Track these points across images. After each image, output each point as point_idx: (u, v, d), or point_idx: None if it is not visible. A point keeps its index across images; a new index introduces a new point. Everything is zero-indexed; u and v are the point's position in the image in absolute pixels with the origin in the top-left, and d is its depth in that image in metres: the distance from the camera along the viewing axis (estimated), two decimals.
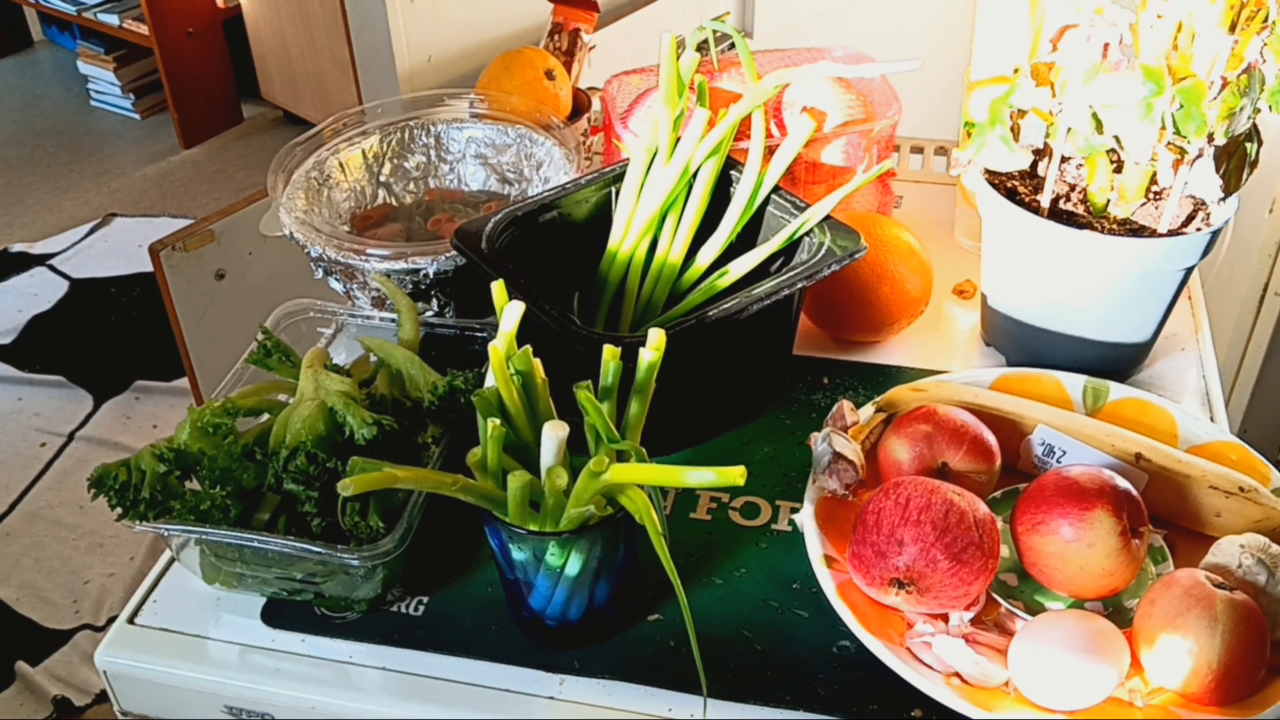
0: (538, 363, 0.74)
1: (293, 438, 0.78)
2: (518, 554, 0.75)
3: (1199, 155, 0.84)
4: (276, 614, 0.81)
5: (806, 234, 0.90)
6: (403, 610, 0.81)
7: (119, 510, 0.77)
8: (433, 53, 1.46)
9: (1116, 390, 0.91)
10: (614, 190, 0.98)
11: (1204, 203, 0.91)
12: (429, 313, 0.99)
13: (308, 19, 3.03)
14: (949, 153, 1.24)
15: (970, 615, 0.76)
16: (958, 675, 0.73)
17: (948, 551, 0.73)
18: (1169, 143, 0.83)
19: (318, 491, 0.77)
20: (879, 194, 1.09)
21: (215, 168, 3.21)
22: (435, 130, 1.13)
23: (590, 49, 1.26)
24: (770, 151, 0.94)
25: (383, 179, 1.12)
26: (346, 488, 0.66)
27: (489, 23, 1.50)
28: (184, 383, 2.57)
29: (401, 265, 0.94)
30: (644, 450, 0.68)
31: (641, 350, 0.73)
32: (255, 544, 0.75)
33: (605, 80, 1.11)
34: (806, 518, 0.81)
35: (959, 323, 1.05)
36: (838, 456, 0.81)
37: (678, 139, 0.94)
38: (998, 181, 0.94)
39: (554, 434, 0.69)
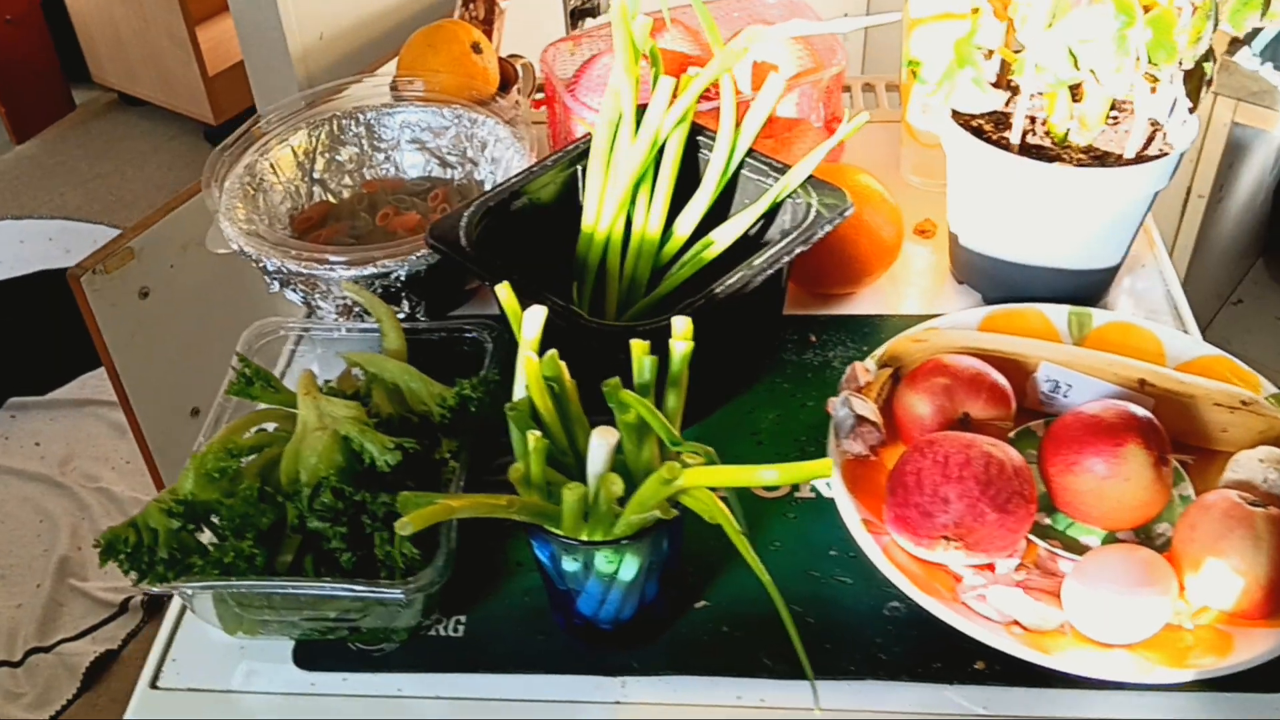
0: (563, 365, 0.72)
1: (311, 474, 0.74)
2: (569, 565, 0.73)
3: (1169, 81, 0.86)
4: (310, 656, 0.78)
5: (789, 195, 0.89)
6: (442, 633, 0.78)
7: (134, 575, 0.72)
8: (324, 29, 1.39)
9: (1099, 316, 0.93)
10: (579, 169, 0.94)
11: (1158, 124, 0.93)
12: (400, 315, 0.95)
13: None
14: (899, 90, 1.24)
15: (1016, 561, 0.77)
16: (1017, 623, 0.74)
17: (994, 504, 0.74)
18: (1145, 72, 0.84)
19: (346, 526, 0.73)
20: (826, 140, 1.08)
21: (54, 160, 3.02)
22: (365, 118, 1.07)
23: (580, 16, 1.21)
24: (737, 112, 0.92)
25: (317, 176, 1.06)
26: (405, 527, 0.63)
27: None
28: (62, 394, 2.44)
29: (370, 270, 0.90)
30: (712, 450, 0.66)
31: (673, 343, 0.71)
32: (290, 590, 0.72)
33: (541, 50, 1.07)
34: (836, 483, 0.81)
35: (924, 263, 1.06)
36: (861, 419, 0.81)
37: (640, 109, 0.91)
38: (963, 121, 0.94)
39: (604, 441, 0.67)
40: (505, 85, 1.16)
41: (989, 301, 0.99)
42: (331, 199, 1.06)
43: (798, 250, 0.84)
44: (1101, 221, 0.93)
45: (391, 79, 1.12)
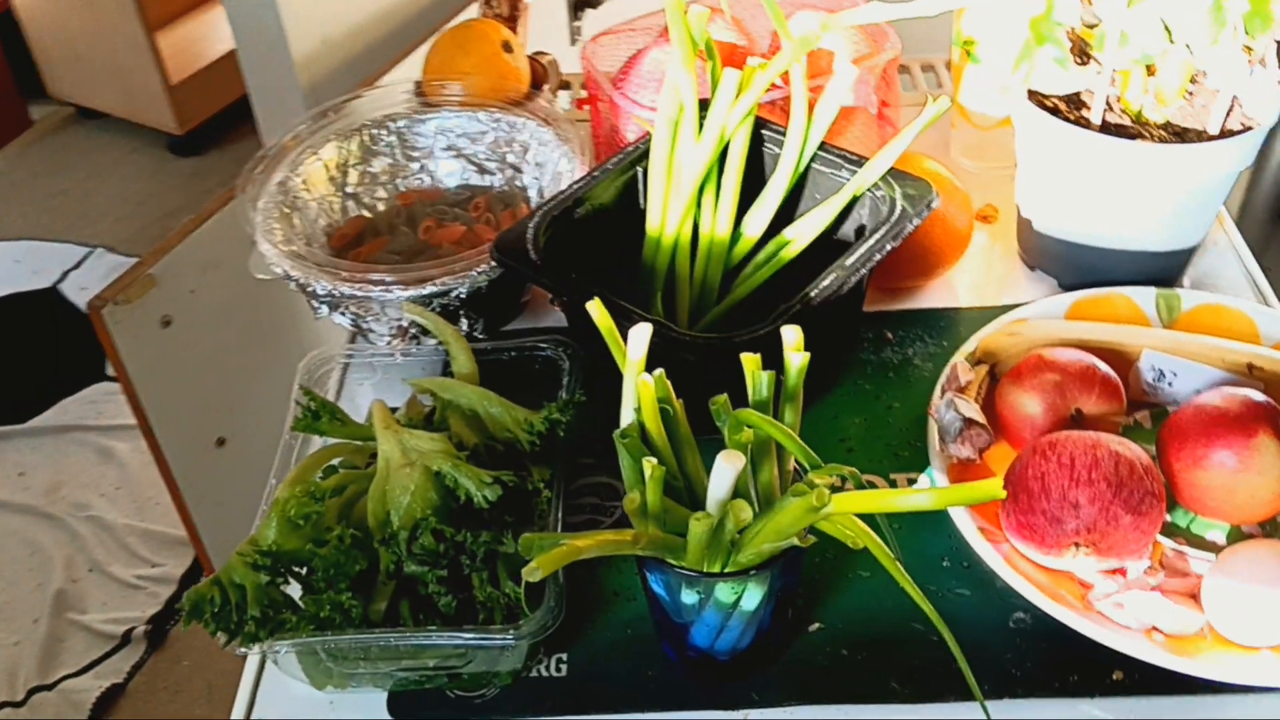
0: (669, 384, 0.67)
1: (405, 514, 0.69)
2: (688, 597, 0.68)
3: (1263, 55, 0.82)
4: (406, 706, 0.72)
5: (870, 188, 0.85)
6: (544, 674, 0.74)
7: (222, 637, 0.66)
8: (325, 34, 1.32)
9: (1188, 298, 0.89)
10: (640, 170, 0.90)
11: (1236, 99, 0.90)
12: None
13: (91, 3, 2.76)
14: (948, 68, 1.20)
15: (1146, 564, 0.74)
16: (1156, 629, 0.71)
17: (1127, 506, 0.70)
18: (1244, 45, 0.81)
19: (446, 570, 0.69)
20: (879, 129, 1.04)
21: (14, 180, 2.93)
22: (397, 127, 1.02)
23: (581, 6, 1.16)
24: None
25: (350, 190, 1.00)
26: (534, 573, 0.58)
27: None
28: (44, 420, 2.36)
29: (431, 289, 0.85)
30: (856, 471, 0.62)
31: (789, 355, 0.67)
32: (393, 642, 0.67)
33: (583, 46, 1.02)
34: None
35: (988, 250, 1.02)
36: (969, 422, 0.77)
37: (701, 105, 0.86)
38: (1038, 102, 0.90)
39: (731, 466, 0.63)
40: (536, 84, 1.10)
41: (1066, 288, 0.96)
42: (366, 213, 1.01)
43: (889, 247, 0.80)
44: (1185, 199, 0.89)
45: (416, 83, 1.07)
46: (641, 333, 0.66)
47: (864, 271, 0.78)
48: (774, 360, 0.67)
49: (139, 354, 1.05)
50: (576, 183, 0.87)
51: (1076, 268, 0.94)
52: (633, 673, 0.73)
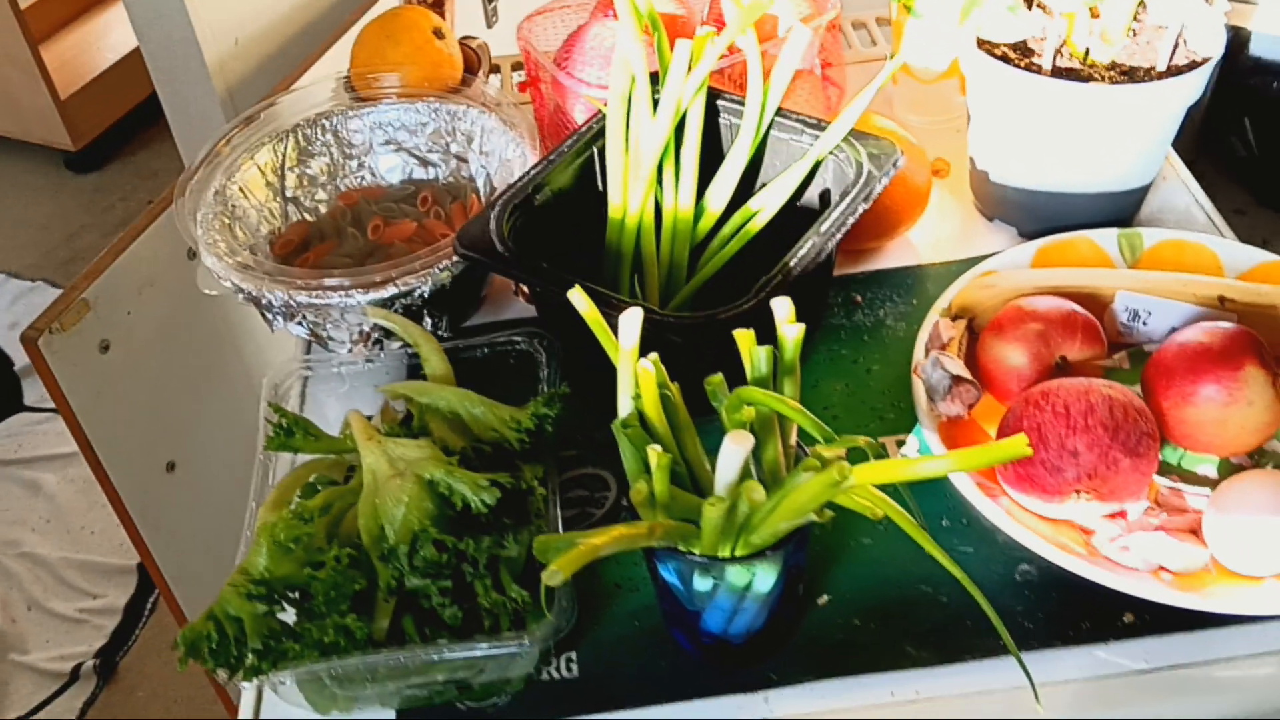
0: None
1: (401, 527, 0.66)
2: (702, 583, 0.66)
3: None
4: None
5: (832, 151, 0.83)
6: (554, 675, 0.72)
7: (223, 673, 0.63)
8: (238, 34, 1.28)
9: (1150, 237, 0.90)
10: (595, 150, 0.87)
11: (1181, 34, 0.90)
12: None
13: None
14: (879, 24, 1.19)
15: (1146, 504, 0.74)
16: (1163, 569, 0.71)
17: (1125, 448, 0.70)
18: None
19: (449, 580, 0.66)
20: (824, 90, 1.03)
21: None
22: (331, 125, 0.98)
23: None
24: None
25: (289, 194, 0.97)
26: (554, 576, 0.57)
27: None
28: None
29: (392, 290, 0.82)
30: (874, 441, 0.60)
31: (784, 329, 0.66)
32: (405, 660, 0.64)
33: (516, 27, 0.99)
34: (939, 450, 0.76)
35: (944, 204, 1.01)
36: (957, 379, 0.76)
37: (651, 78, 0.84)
38: (987, 52, 0.89)
39: (739, 447, 0.61)
40: (469, 70, 1.07)
41: (1026, 235, 0.96)
42: (308, 217, 0.97)
43: (861, 209, 0.79)
44: (1139, 138, 0.89)
45: (344, 78, 1.03)
46: (633, 318, 0.64)
47: (839, 236, 0.77)
48: (760, 335, 0.66)
49: (79, 382, 1.00)
50: (533, 168, 0.84)
51: (1035, 215, 0.94)
52: (646, 665, 0.72)
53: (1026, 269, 0.87)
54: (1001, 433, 0.75)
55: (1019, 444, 0.54)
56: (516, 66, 1.23)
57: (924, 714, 0.69)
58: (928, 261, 0.95)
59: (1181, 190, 1.00)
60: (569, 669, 0.72)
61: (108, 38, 2.98)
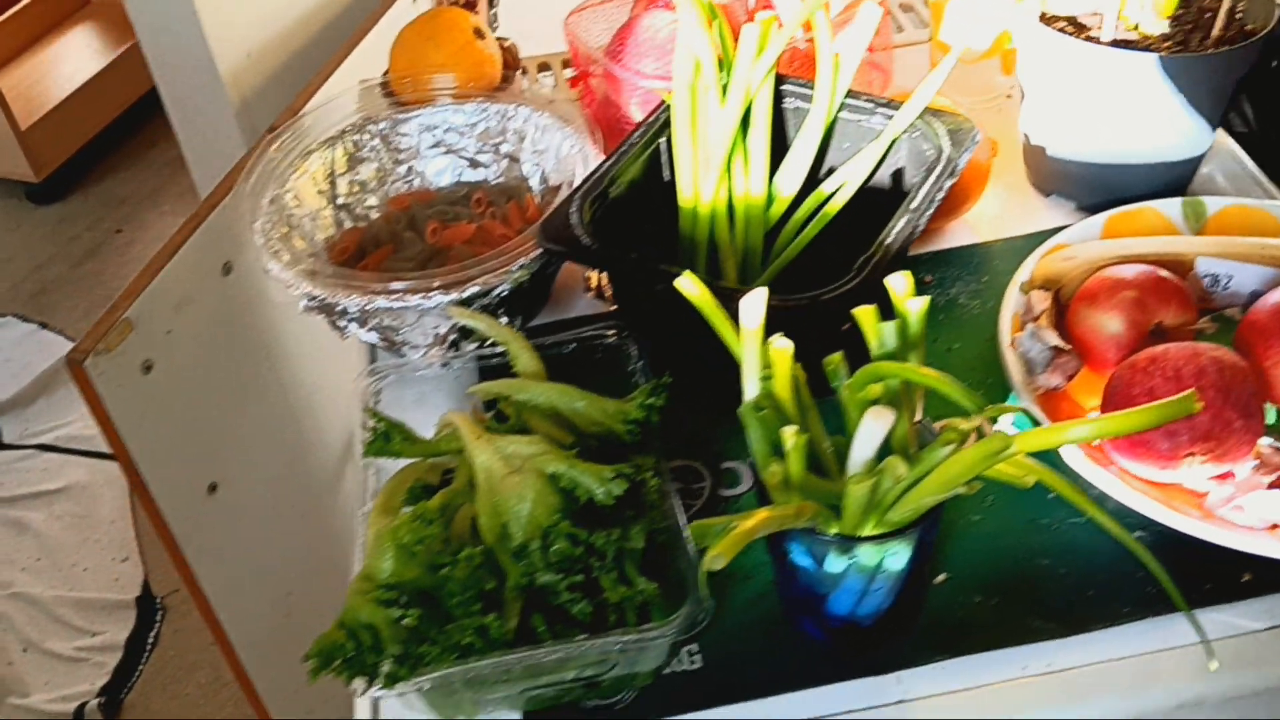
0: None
1: (530, 523, 0.65)
2: (835, 565, 0.65)
3: None
4: None
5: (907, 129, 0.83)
6: (677, 670, 0.70)
7: (360, 683, 0.61)
8: (250, 47, 1.25)
9: (1212, 204, 0.90)
10: (661, 142, 0.86)
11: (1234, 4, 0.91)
12: None
13: None
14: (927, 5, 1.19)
15: (1254, 464, 0.74)
16: (1276, 526, 0.71)
17: (1237, 409, 0.70)
18: None
19: (581, 576, 0.65)
20: (866, 73, 1.03)
21: None
22: (379, 129, 0.96)
23: None
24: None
25: (340, 200, 0.95)
26: (716, 560, 0.55)
27: None
28: None
29: (474, 289, 0.80)
30: (1026, 410, 0.60)
31: (909, 303, 0.65)
32: (543, 658, 0.62)
33: (564, 21, 0.98)
34: (1045, 421, 0.76)
35: (998, 182, 1.01)
36: (1058, 351, 0.76)
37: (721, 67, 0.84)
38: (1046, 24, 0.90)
39: (880, 423, 0.60)
40: (507, 69, 1.06)
41: (1084, 209, 0.96)
42: (359, 224, 0.95)
43: (948, 184, 0.78)
44: (1197, 108, 0.90)
45: (380, 83, 1.01)
46: (757, 299, 0.63)
47: (930, 211, 0.76)
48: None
49: (125, 406, 0.97)
50: (607, 161, 0.83)
51: (1094, 187, 0.95)
52: (770, 653, 0.71)
53: (1096, 240, 0.87)
54: (1108, 400, 0.74)
55: (1187, 401, 0.54)
56: (543, 66, 1.22)
57: (1055, 687, 0.68)
58: (993, 238, 0.95)
59: (1228, 158, 1.01)
60: (692, 661, 0.71)
61: (63, 66, 2.92)
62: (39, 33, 3.02)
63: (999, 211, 0.98)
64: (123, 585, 2.08)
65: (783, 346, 0.61)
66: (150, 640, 2.00)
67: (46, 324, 2.56)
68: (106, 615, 2.04)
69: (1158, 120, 0.90)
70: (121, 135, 2.98)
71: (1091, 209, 0.92)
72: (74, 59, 2.94)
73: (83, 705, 1.89)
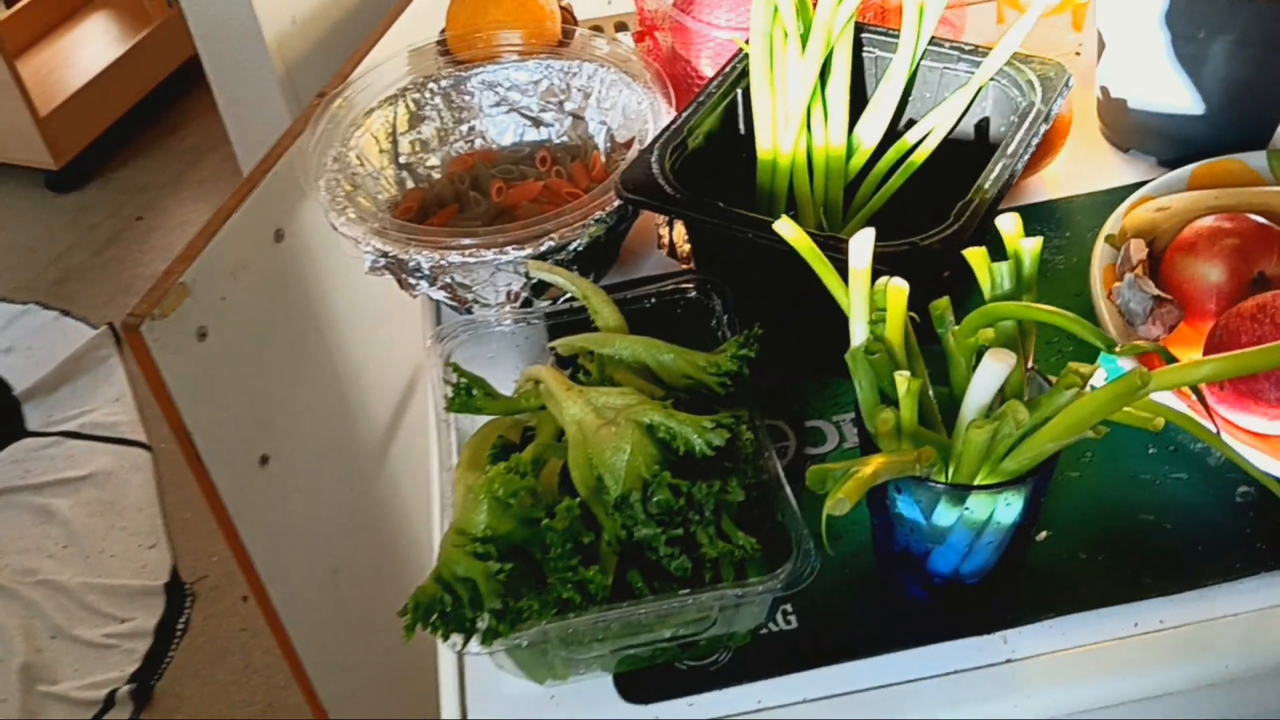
0: None
1: (627, 475, 0.62)
2: (944, 518, 0.63)
3: None
4: (639, 688, 0.66)
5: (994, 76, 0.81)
6: (772, 629, 0.68)
7: (457, 639, 0.59)
8: (295, 12, 1.23)
9: None
10: (739, 93, 0.84)
11: None
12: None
13: None
14: None
15: None
16: None
17: None
18: None
19: (681, 529, 0.62)
20: (940, 27, 1.00)
21: None
22: (441, 87, 0.94)
23: None
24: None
25: (403, 160, 0.92)
26: (841, 505, 0.53)
27: None
28: None
29: (549, 244, 0.78)
30: (1162, 345, 0.57)
31: (1023, 242, 0.62)
32: (644, 613, 0.60)
33: None
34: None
35: (1073, 137, 0.98)
36: (1159, 300, 0.74)
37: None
38: None
39: (1000, 365, 0.58)
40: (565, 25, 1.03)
41: (1165, 163, 0.93)
42: (421, 184, 0.93)
43: (1042, 129, 0.76)
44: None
45: (439, 40, 0.99)
46: (865, 239, 0.60)
47: (1026, 156, 0.74)
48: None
49: (180, 372, 0.95)
50: (684, 112, 0.80)
51: (1176, 141, 0.92)
52: (867, 612, 0.68)
53: (1184, 191, 0.84)
54: (1211, 349, 0.72)
55: None
56: (595, 29, 1.19)
57: (1168, 643, 0.66)
58: (1073, 193, 0.93)
59: None
60: (788, 621, 0.68)
61: (82, 52, 2.90)
62: (57, 20, 3.00)
63: (1076, 168, 0.95)
64: (151, 571, 2.06)
65: (899, 285, 0.59)
66: (180, 626, 1.98)
67: (68, 311, 2.54)
68: (135, 602, 2.02)
69: (1245, 69, 0.87)
70: (141, 122, 2.96)
71: (1172, 164, 0.89)
72: (92, 46, 2.92)
73: (113, 692, 1.87)
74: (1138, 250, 0.77)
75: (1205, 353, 0.73)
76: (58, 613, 2.00)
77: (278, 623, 1.16)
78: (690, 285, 0.76)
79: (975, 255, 0.63)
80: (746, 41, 0.82)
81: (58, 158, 2.77)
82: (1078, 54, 1.06)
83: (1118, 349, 0.57)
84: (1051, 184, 0.94)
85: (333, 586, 1.22)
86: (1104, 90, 0.95)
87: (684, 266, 0.89)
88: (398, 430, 1.27)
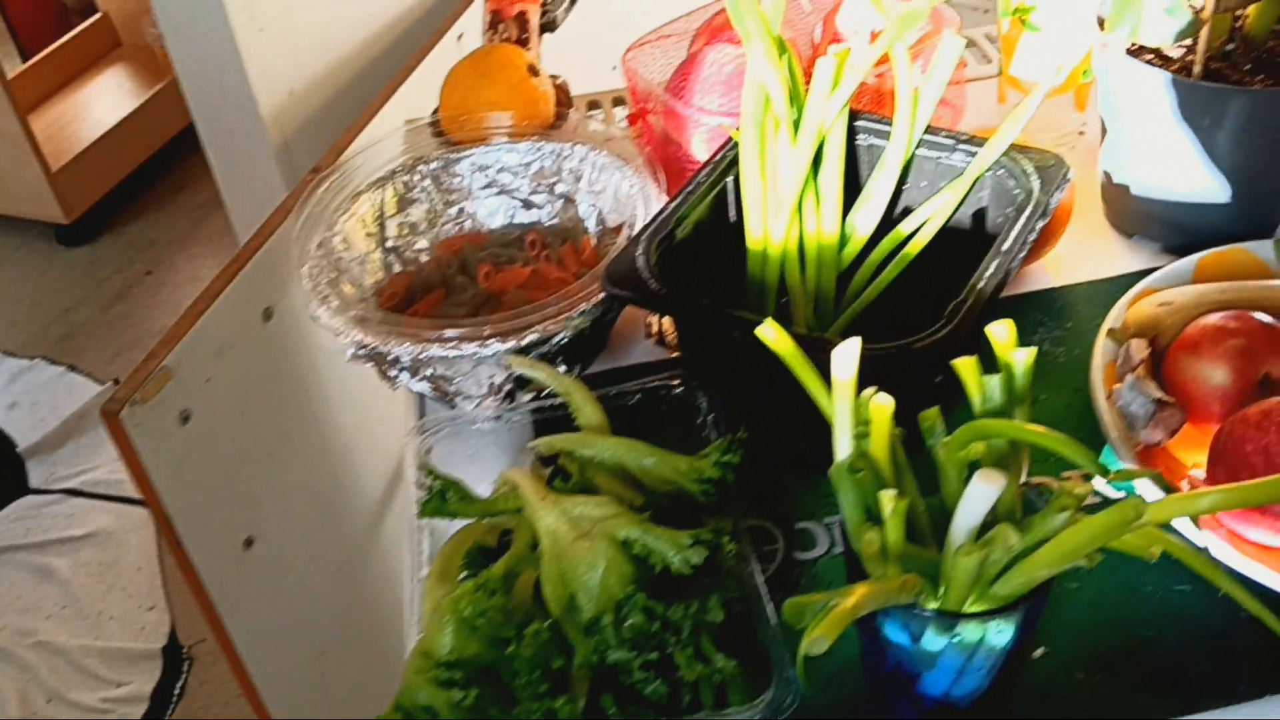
0: None
1: (602, 594, 0.60)
2: (933, 643, 0.60)
3: None
4: None
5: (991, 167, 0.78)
6: None
7: None
8: (293, 85, 1.22)
9: None
10: (729, 181, 0.82)
11: None
12: None
13: None
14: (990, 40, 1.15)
15: None
16: None
17: None
18: None
19: (656, 653, 0.59)
20: (938, 109, 0.98)
21: None
22: (430, 169, 0.92)
23: (541, 30, 1.07)
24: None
25: (390, 243, 0.91)
26: (819, 644, 0.50)
27: (344, 37, 1.27)
28: None
29: (533, 337, 0.75)
30: (1160, 473, 0.55)
31: (1014, 354, 0.60)
32: None
33: (621, 57, 0.94)
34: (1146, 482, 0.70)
35: (1075, 221, 0.96)
36: (1161, 404, 0.71)
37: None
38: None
39: (990, 488, 0.55)
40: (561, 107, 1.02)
41: (1170, 251, 0.91)
42: (409, 268, 0.91)
43: (1039, 225, 0.73)
44: None
45: (432, 121, 0.97)
46: (850, 349, 0.58)
47: (1022, 254, 0.72)
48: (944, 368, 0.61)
49: (161, 457, 0.93)
50: (673, 201, 0.78)
51: (1180, 228, 0.90)
52: None
53: (1188, 284, 0.82)
54: (1217, 457, 0.69)
55: None
56: (592, 105, 1.18)
57: None
58: (1075, 281, 0.90)
59: None
60: None
61: (94, 108, 2.91)
62: (70, 75, 3.01)
63: (1079, 251, 0.93)
64: (149, 635, 2.04)
65: (882, 402, 0.56)
66: (176, 692, 1.95)
67: (75, 366, 2.53)
68: (132, 665, 1.99)
69: (1253, 156, 0.85)
70: (152, 177, 2.96)
71: (1178, 251, 0.87)
72: (105, 101, 2.93)
73: None
74: (1139, 350, 0.74)
75: (1209, 461, 0.70)
76: (54, 676, 1.98)
77: (261, 707, 1.14)
78: (676, 382, 0.74)
79: (965, 366, 0.60)
80: (737, 129, 0.80)
81: (68, 212, 2.77)
82: (1081, 133, 1.04)
83: (1110, 476, 0.54)
84: (1053, 268, 0.92)
85: (319, 670, 1.19)
86: (1107, 175, 0.93)
87: (673, 355, 0.87)
88: (387, 510, 1.24)
